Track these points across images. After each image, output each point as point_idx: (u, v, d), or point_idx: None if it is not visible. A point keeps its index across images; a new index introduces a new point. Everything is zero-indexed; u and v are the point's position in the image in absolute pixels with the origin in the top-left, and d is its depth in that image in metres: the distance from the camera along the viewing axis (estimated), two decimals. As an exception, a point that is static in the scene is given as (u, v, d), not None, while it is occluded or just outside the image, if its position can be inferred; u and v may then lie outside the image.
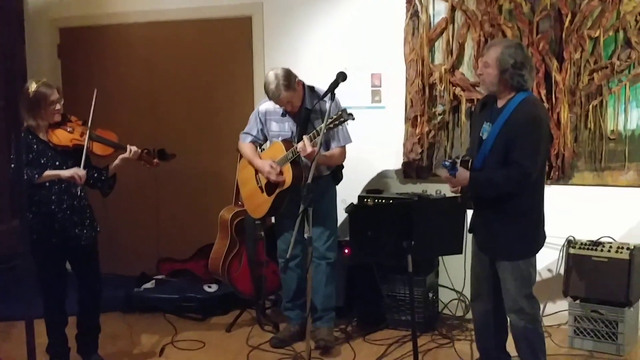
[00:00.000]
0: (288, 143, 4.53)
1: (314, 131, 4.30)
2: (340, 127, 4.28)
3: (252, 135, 4.77)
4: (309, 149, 4.25)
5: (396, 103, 5.30)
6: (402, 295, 4.93)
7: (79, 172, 4.03)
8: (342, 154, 4.65)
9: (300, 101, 4.55)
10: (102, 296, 4.42)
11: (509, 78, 3.62)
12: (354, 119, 4.08)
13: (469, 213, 3.88)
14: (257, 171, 4.70)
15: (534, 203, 3.75)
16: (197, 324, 5.24)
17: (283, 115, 4.63)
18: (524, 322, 3.76)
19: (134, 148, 4.28)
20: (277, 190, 4.57)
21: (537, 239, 3.79)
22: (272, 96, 4.48)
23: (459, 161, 3.69)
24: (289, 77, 4.44)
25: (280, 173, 4.52)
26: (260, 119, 4.74)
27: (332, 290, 4.79)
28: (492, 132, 3.67)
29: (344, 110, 4.06)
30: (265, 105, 4.72)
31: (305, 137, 4.30)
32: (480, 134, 3.77)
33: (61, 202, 4.12)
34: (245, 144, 4.78)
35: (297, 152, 4.37)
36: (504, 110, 3.66)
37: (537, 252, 3.79)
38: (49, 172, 4.04)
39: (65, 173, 4.05)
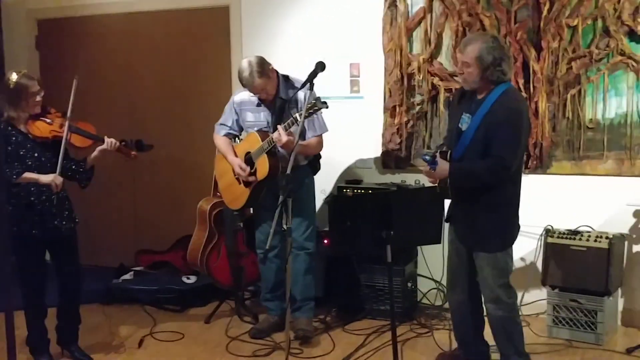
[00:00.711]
0: (264, 133, 4.51)
1: (289, 120, 4.28)
2: (315, 116, 4.27)
3: (227, 126, 4.75)
4: (284, 138, 4.23)
5: (375, 93, 5.29)
6: (381, 285, 4.93)
7: (56, 180, 4.02)
8: (319, 143, 4.64)
9: (274, 89, 4.53)
10: (82, 287, 4.41)
11: (490, 75, 3.63)
12: (327, 107, 4.06)
13: (447, 203, 3.89)
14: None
15: (512, 194, 3.77)
16: (176, 316, 5.23)
17: (258, 105, 4.61)
18: (501, 312, 3.78)
19: (112, 140, 4.26)
20: (254, 182, 4.55)
21: (514, 230, 3.81)
22: (246, 83, 4.46)
23: (437, 154, 3.69)
24: (262, 65, 4.42)
25: (251, 173, 4.52)
26: (235, 110, 4.72)
27: (311, 281, 4.78)
28: (472, 124, 3.68)
29: (318, 98, 4.04)
30: (240, 95, 4.70)
31: (280, 127, 4.29)
32: (460, 125, 3.77)
33: (40, 194, 4.10)
34: (219, 137, 4.77)
35: (273, 143, 4.35)
36: (484, 102, 3.66)
37: (513, 243, 3.81)
38: (27, 175, 4.02)
39: (43, 179, 4.03)
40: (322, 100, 4.03)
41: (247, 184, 4.61)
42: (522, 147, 3.75)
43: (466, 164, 3.69)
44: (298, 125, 4.08)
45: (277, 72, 4.57)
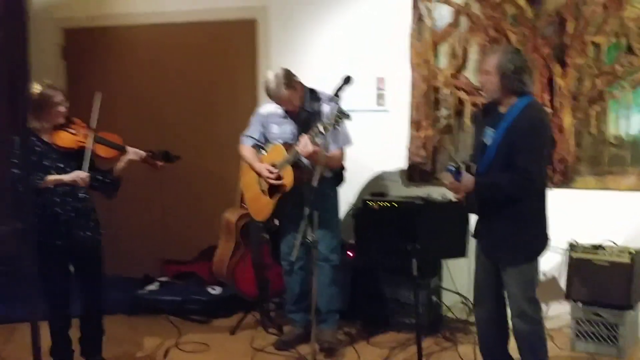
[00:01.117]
0: (289, 145, 4.54)
1: (314, 130, 4.28)
2: (339, 128, 4.30)
3: (253, 138, 4.79)
4: (310, 149, 4.26)
5: (400, 107, 5.32)
6: (406, 298, 4.93)
7: (80, 174, 4.02)
8: (342, 156, 4.67)
9: (300, 101, 4.58)
10: (105, 298, 4.41)
11: (510, 83, 3.65)
12: (350, 119, 4.09)
13: (473, 217, 3.90)
14: (259, 174, 4.73)
15: (538, 207, 3.77)
16: (201, 327, 5.25)
17: (284, 117, 4.65)
18: (527, 326, 3.78)
19: (138, 151, 4.28)
20: (279, 193, 4.59)
21: (541, 243, 3.81)
22: (272, 95, 4.50)
23: (463, 166, 3.71)
24: (288, 76, 4.48)
25: (279, 177, 4.54)
26: (261, 122, 4.76)
27: (336, 293, 4.80)
28: (495, 137, 3.69)
29: (341, 110, 4.05)
30: (266, 107, 4.75)
31: (305, 136, 4.31)
32: (484, 140, 3.79)
33: (65, 204, 4.11)
34: (246, 147, 4.81)
35: (298, 154, 4.39)
36: (507, 116, 3.68)
37: (540, 255, 3.81)
38: (51, 177, 4.03)
39: (67, 177, 4.04)
40: (346, 112, 4.06)
41: (272, 195, 4.64)
42: (545, 160, 3.76)
43: (491, 178, 3.70)
44: (324, 134, 4.10)
45: (302, 85, 4.62)
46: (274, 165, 4.59)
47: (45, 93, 4.07)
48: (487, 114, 3.88)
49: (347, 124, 4.30)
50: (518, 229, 3.71)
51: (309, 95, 4.61)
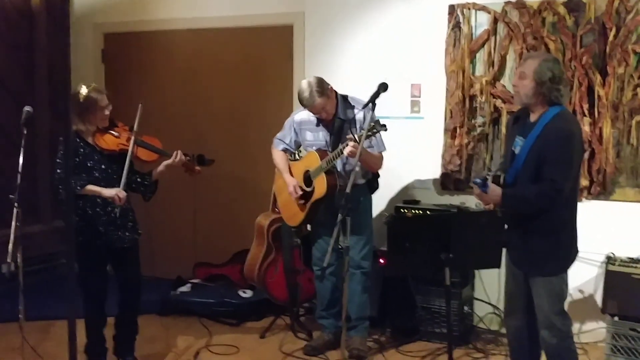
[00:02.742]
0: (323, 152, 4.56)
1: (353, 135, 4.20)
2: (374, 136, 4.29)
3: (285, 143, 4.82)
4: (353, 149, 4.15)
5: (435, 114, 5.29)
6: (437, 307, 4.91)
7: (120, 193, 4.08)
8: (381, 160, 4.67)
9: (333, 109, 4.59)
10: (140, 298, 4.47)
11: (547, 92, 3.58)
12: (386, 129, 4.08)
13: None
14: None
15: (567, 218, 3.70)
16: (231, 329, 5.28)
17: (317, 125, 4.67)
18: (555, 339, 3.71)
19: (179, 155, 4.32)
20: (312, 199, 4.59)
21: (570, 255, 3.74)
22: (306, 103, 4.52)
23: (490, 177, 3.66)
24: (322, 85, 4.49)
25: (302, 196, 4.61)
26: (294, 129, 4.79)
27: (367, 300, 4.79)
28: (524, 146, 3.64)
29: (377, 121, 4.03)
30: (300, 114, 4.76)
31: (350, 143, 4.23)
32: (513, 148, 3.74)
33: (106, 205, 4.16)
34: (277, 151, 4.85)
35: (336, 158, 4.38)
36: (537, 125, 3.62)
37: (569, 267, 3.75)
38: (90, 187, 4.08)
39: (106, 192, 4.09)
40: (382, 123, 4.05)
41: (304, 201, 4.65)
42: (574, 170, 3.68)
43: (518, 190, 3.64)
44: (359, 143, 4.08)
45: (336, 93, 4.62)
46: (307, 172, 4.61)
47: (92, 96, 4.12)
48: (517, 122, 3.83)
49: (382, 133, 4.27)
50: (548, 241, 3.66)
51: (342, 103, 4.62)
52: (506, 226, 3.82)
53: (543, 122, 3.60)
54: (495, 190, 3.62)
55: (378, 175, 4.81)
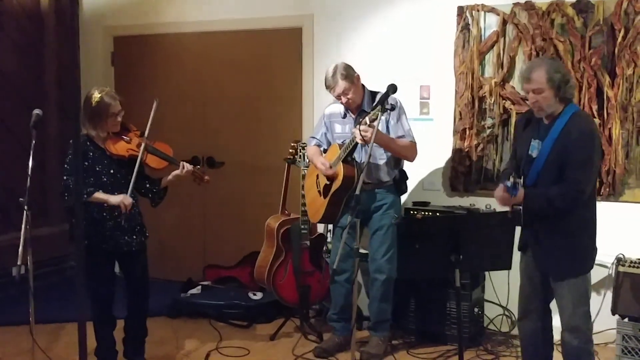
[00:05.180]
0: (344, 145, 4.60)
1: (365, 117, 4.20)
2: (401, 121, 4.38)
3: (316, 138, 4.88)
4: (364, 133, 4.15)
5: (444, 115, 5.30)
6: (448, 309, 4.90)
7: (125, 200, 4.06)
8: (412, 148, 4.62)
9: (359, 98, 4.62)
10: (149, 301, 4.46)
11: (563, 92, 3.58)
12: (394, 109, 4.13)
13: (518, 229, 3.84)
14: (317, 176, 4.77)
15: (589, 218, 3.70)
16: (241, 331, 5.28)
17: (344, 117, 4.71)
18: (577, 342, 3.69)
19: (187, 166, 4.31)
20: (331, 190, 4.59)
21: (593, 254, 3.74)
22: (329, 85, 4.57)
23: (520, 181, 3.59)
24: (348, 69, 4.55)
25: (324, 190, 4.62)
26: (325, 123, 4.83)
27: (387, 307, 4.76)
28: (542, 149, 3.63)
29: (383, 101, 4.00)
30: (331, 107, 4.83)
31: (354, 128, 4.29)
32: (530, 152, 3.72)
33: (113, 210, 4.14)
34: (310, 147, 4.90)
35: (352, 144, 4.40)
36: (554, 127, 3.61)
37: (592, 267, 3.74)
38: (97, 195, 4.06)
39: (112, 200, 4.08)
40: (389, 103, 4.05)
41: (325, 194, 4.65)
42: (595, 170, 3.69)
43: (540, 190, 3.63)
44: (378, 119, 4.02)
45: (363, 85, 4.66)
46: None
47: (104, 102, 4.07)
48: (528, 125, 3.82)
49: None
50: (571, 241, 3.65)
51: (369, 97, 4.65)
52: (522, 229, 3.81)
53: (560, 123, 3.59)
54: (519, 192, 3.60)
55: (406, 177, 4.81)
